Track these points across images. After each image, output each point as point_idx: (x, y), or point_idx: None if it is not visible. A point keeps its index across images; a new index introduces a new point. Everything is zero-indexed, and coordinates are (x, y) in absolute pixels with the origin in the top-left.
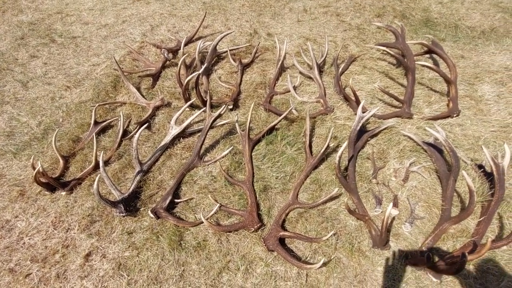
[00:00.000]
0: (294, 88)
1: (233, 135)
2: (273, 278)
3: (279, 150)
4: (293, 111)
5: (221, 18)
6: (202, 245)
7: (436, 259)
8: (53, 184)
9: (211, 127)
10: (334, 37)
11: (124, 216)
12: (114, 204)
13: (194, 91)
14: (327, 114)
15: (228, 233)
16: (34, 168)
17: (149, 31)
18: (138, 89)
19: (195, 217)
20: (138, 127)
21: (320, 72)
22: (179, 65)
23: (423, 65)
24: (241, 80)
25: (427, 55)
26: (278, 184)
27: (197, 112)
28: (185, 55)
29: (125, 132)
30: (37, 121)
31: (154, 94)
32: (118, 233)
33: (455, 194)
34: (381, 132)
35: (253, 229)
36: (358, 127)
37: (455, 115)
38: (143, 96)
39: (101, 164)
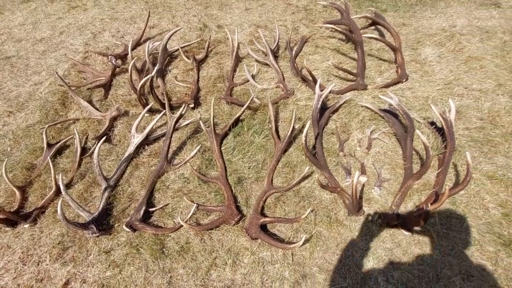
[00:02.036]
0: (253, 77)
1: (200, 133)
2: (261, 265)
3: (248, 140)
4: (255, 99)
5: (167, 16)
6: (185, 248)
7: (406, 214)
8: (13, 218)
9: (175, 129)
10: (284, 21)
11: (98, 236)
12: (84, 226)
13: (151, 95)
14: (288, 97)
15: (210, 231)
16: None
17: (91, 40)
18: (90, 102)
19: (174, 222)
20: (96, 142)
21: (276, 57)
22: (129, 71)
23: (370, 37)
24: (198, 77)
25: (373, 27)
26: (251, 174)
27: (158, 116)
28: (134, 59)
29: (84, 150)
30: None
31: (109, 105)
32: (95, 254)
33: (414, 152)
34: (341, 107)
35: (234, 222)
36: (319, 105)
37: (404, 80)
38: (96, 109)
39: (62, 187)
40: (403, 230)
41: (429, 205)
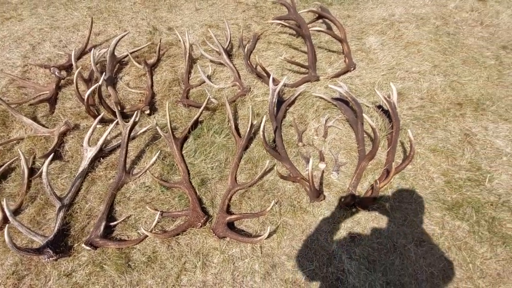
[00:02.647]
0: (208, 77)
1: (159, 140)
2: (231, 262)
3: (208, 141)
4: (212, 100)
5: (113, 21)
6: (152, 258)
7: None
8: None
9: (132, 137)
10: (235, 19)
11: (56, 260)
12: (38, 251)
13: (101, 105)
14: (245, 94)
15: (177, 237)
16: None
17: (30, 52)
18: (35, 118)
19: (138, 233)
20: (45, 161)
21: (230, 56)
22: (75, 81)
23: (317, 30)
24: (152, 82)
25: (320, 20)
26: (215, 174)
27: (110, 127)
28: (79, 69)
29: (32, 171)
30: None
31: (56, 120)
32: (54, 279)
33: (366, 135)
34: (296, 99)
35: (200, 224)
36: (274, 100)
37: (352, 68)
38: (42, 125)
39: (7, 213)
40: (360, 209)
41: (378, 182)
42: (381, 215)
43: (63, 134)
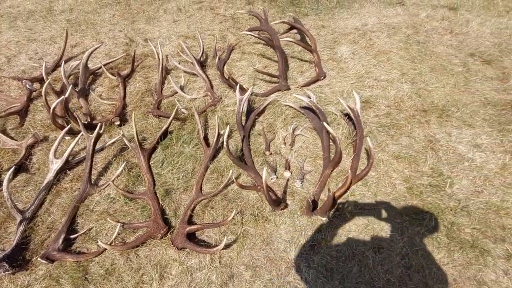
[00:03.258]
0: (181, 88)
1: (127, 151)
2: (188, 273)
3: (177, 151)
4: (182, 110)
5: (91, 33)
6: (110, 271)
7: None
8: None
9: (100, 149)
10: (211, 30)
11: (13, 274)
12: None
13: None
14: (215, 104)
15: (136, 249)
16: None
17: (5, 64)
18: (4, 131)
19: (98, 246)
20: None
21: (203, 66)
22: (43, 94)
23: (287, 41)
24: (124, 93)
25: (294, 31)
26: (180, 184)
27: (76, 139)
28: (48, 81)
29: None
30: None
31: (26, 132)
32: None
33: (332, 143)
34: (266, 108)
35: (160, 235)
36: (241, 109)
37: (322, 77)
38: (11, 137)
39: None
40: (319, 216)
41: (330, 190)
42: (341, 223)
43: (31, 147)
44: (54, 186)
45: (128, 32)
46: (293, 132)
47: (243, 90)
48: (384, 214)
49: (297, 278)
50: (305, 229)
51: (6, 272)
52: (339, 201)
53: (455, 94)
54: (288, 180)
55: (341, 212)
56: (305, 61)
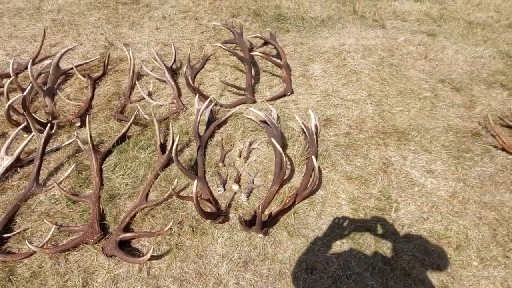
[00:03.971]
0: (149, 94)
1: (81, 153)
2: (114, 282)
3: (132, 156)
4: (144, 115)
5: (73, 34)
6: (36, 273)
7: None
8: None
9: (56, 149)
10: (191, 40)
11: None
12: None
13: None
14: (178, 112)
15: (67, 253)
16: None
17: None
18: None
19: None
20: None
21: (176, 74)
22: (5, 90)
23: (256, 55)
24: (92, 95)
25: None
26: (127, 190)
27: (29, 137)
28: (12, 78)
29: None
30: None
31: None
32: None
33: (291, 157)
34: (228, 120)
35: (92, 241)
36: (198, 119)
37: (289, 93)
38: None
39: None
40: (255, 233)
41: (259, 207)
42: (280, 240)
43: None
44: (1, 183)
45: (109, 35)
46: (249, 145)
47: (210, 101)
48: (324, 234)
49: None
50: (242, 245)
51: None
52: (282, 218)
53: (419, 119)
54: (235, 193)
55: (281, 229)
56: (276, 76)
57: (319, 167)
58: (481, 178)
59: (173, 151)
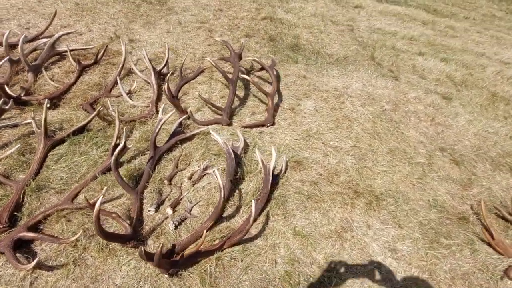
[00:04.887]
0: (129, 92)
1: (35, 135)
2: None
3: (83, 150)
4: (112, 112)
5: (86, 20)
6: None
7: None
8: None
9: (14, 125)
10: (195, 49)
11: None
12: None
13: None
14: (147, 117)
15: None
16: None
17: None
18: None
19: None
20: None
21: (163, 79)
22: None
23: (244, 78)
24: (75, 81)
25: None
26: (59, 185)
27: None
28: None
29: None
30: None
31: None
32: None
33: (243, 194)
34: (195, 136)
35: None
36: (157, 129)
37: (269, 124)
38: None
39: None
40: (162, 272)
41: (162, 244)
42: (189, 286)
43: None
44: None
45: (120, 29)
46: (204, 169)
47: (181, 112)
48: None
49: None
50: (145, 281)
51: None
52: (203, 261)
53: (402, 185)
54: (166, 218)
55: (195, 274)
56: (264, 103)
57: (265, 214)
58: (453, 274)
59: (113, 156)
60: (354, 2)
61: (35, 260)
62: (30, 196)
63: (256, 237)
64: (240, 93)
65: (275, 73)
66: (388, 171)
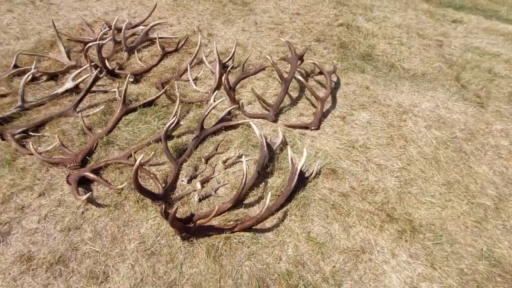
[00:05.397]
0: (195, 78)
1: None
2: (56, 205)
3: (147, 120)
4: (177, 93)
5: (178, 15)
6: (26, 168)
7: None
8: None
9: (105, 91)
10: (263, 47)
11: None
12: None
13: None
14: (202, 101)
15: (50, 166)
16: None
17: (112, 11)
18: (68, 51)
19: (33, 146)
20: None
21: (227, 70)
22: (98, 37)
23: (298, 79)
24: (157, 63)
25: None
26: (123, 143)
27: (86, 76)
28: (103, 31)
29: (35, 79)
30: None
31: (79, 58)
32: None
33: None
34: (240, 126)
35: (69, 166)
36: (207, 113)
37: (313, 128)
38: (68, 57)
39: None
40: (176, 234)
41: (176, 207)
42: (195, 255)
43: (73, 67)
44: (58, 98)
45: (203, 23)
46: (238, 157)
47: (233, 102)
48: (240, 277)
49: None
50: (162, 237)
51: None
52: (214, 236)
53: (452, 224)
54: (194, 190)
55: (203, 245)
56: (315, 107)
57: (284, 211)
58: None
59: (165, 128)
60: (453, 16)
61: (87, 195)
62: (100, 147)
63: (268, 230)
64: (294, 94)
65: (334, 79)
66: (437, 204)
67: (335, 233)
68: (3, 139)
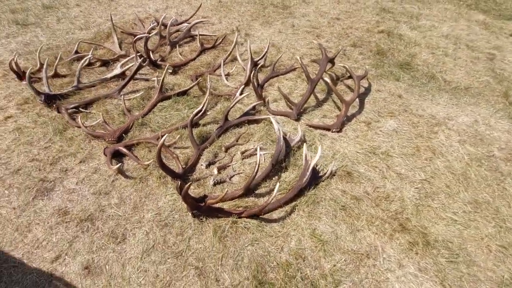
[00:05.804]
0: (227, 74)
1: (155, 89)
2: (94, 171)
3: (179, 108)
4: (207, 85)
5: (220, 15)
6: (73, 138)
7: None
8: None
9: (146, 79)
10: (297, 49)
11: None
12: (37, 93)
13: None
14: (230, 95)
15: (92, 138)
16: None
17: (162, 9)
18: (120, 42)
19: (81, 120)
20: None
21: (259, 69)
22: (146, 31)
23: (325, 81)
24: (195, 58)
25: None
26: (155, 126)
27: (130, 64)
28: (151, 26)
29: (90, 64)
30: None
31: (129, 49)
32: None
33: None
34: (262, 121)
35: (107, 139)
36: (232, 105)
37: (335, 130)
38: (120, 47)
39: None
40: (188, 209)
41: (189, 184)
42: (203, 232)
43: (123, 56)
44: (106, 83)
45: (241, 24)
46: (256, 149)
47: (259, 99)
48: (243, 263)
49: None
50: (176, 212)
51: (40, 101)
52: (223, 218)
53: (473, 245)
54: (210, 175)
55: (212, 225)
56: (339, 110)
57: (292, 206)
58: None
59: (191, 116)
60: None
61: (118, 165)
62: (135, 127)
63: (275, 221)
64: (320, 95)
65: (365, 85)
66: (459, 222)
67: (341, 234)
68: (59, 112)
